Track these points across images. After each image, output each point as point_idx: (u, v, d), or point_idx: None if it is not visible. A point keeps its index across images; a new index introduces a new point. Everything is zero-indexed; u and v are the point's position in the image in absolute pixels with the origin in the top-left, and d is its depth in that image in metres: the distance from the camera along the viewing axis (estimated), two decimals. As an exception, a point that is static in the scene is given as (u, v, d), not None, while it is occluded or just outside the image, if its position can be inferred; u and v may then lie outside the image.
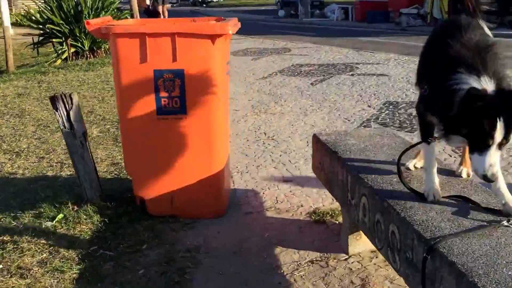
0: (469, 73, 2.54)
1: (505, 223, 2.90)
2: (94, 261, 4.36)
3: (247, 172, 6.47)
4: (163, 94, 4.84)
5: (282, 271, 4.23)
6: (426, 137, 3.09)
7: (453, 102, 2.47)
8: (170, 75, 4.80)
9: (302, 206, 5.39)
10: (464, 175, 3.67)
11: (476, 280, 2.42)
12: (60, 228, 4.92)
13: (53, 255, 4.44)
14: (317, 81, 12.13)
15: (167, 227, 5.01)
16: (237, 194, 5.85)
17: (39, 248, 4.54)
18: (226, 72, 5.13)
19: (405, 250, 3.10)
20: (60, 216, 5.04)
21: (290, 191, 5.78)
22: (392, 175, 3.72)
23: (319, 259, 4.38)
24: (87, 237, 4.77)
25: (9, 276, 4.12)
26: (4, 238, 4.75)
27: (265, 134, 8.08)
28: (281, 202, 5.52)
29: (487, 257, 2.61)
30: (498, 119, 2.36)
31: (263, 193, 5.80)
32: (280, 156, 6.99)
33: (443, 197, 3.28)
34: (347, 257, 4.39)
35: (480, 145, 2.46)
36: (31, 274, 4.14)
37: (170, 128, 4.92)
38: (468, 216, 3.09)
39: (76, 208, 5.19)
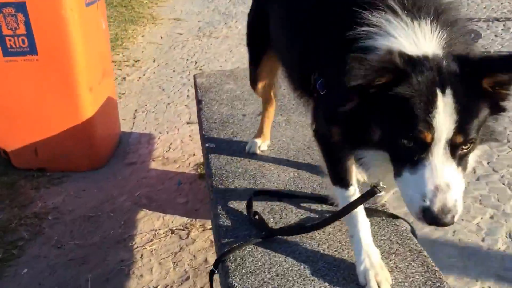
0: (388, 13, 1.47)
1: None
2: None
3: (153, 112, 5.71)
4: (7, 32, 4.01)
5: (133, 243, 3.58)
6: (341, 177, 1.84)
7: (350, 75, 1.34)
8: (11, 9, 3.94)
9: (194, 155, 4.67)
10: (247, 149, 2.89)
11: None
12: None
13: None
14: (283, -4, 10.97)
15: (30, 183, 4.35)
16: (131, 139, 5.13)
17: None
18: (87, 4, 4.23)
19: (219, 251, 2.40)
20: None
21: (190, 136, 5.03)
22: (243, 137, 3.01)
23: (182, 227, 3.71)
24: None
25: None
26: None
27: (196, 63, 7.23)
28: (173, 150, 4.80)
29: (283, 279, 1.91)
30: (439, 91, 1.30)
31: (159, 138, 5.07)
32: (199, 90, 6.16)
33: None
34: (216, 224, 3.69)
35: (411, 152, 1.35)
36: None
37: (22, 72, 4.13)
38: (301, 210, 2.36)
39: None
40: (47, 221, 3.83)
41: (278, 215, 2.31)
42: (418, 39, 1.40)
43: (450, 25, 1.46)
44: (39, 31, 3.99)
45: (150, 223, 3.78)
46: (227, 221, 2.32)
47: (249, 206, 2.32)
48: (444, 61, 1.34)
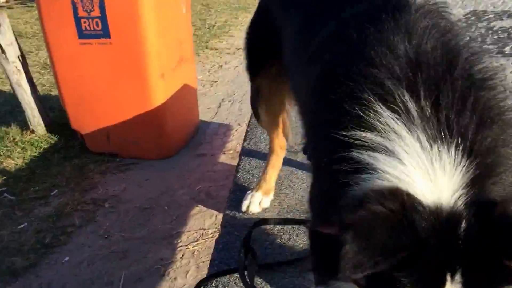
0: (393, 135, 1.01)
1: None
2: (-13, 207, 3.83)
3: (239, 102, 5.49)
4: (82, 14, 3.98)
5: (178, 241, 3.38)
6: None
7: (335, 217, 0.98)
8: (86, -10, 3.91)
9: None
10: (243, 207, 2.27)
11: None
12: (-10, 162, 4.44)
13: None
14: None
15: (99, 168, 4.33)
16: (209, 129, 4.95)
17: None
18: (164, -13, 4.07)
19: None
20: (-6, 148, 4.55)
21: (268, 130, 4.71)
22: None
23: (232, 229, 3.42)
24: (7, 175, 4.25)
25: None
26: None
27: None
28: (247, 144, 4.51)
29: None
30: (449, 277, 0.92)
31: (236, 130, 4.84)
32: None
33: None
34: (270, 229, 3.37)
35: None
36: None
37: (96, 55, 4.08)
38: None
39: (16, 138, 4.65)
40: (102, 209, 3.75)
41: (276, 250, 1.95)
42: (434, 171, 0.94)
43: (493, 142, 0.99)
44: (113, 14, 3.90)
45: (201, 221, 3.55)
46: (229, 238, 2.01)
47: (247, 238, 1.98)
48: (464, 220, 0.90)
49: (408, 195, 0.91)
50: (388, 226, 0.88)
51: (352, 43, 1.18)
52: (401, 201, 0.90)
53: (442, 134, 0.97)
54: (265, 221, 2.09)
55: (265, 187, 2.28)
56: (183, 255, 3.24)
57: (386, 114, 1.00)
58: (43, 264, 3.24)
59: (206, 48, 7.21)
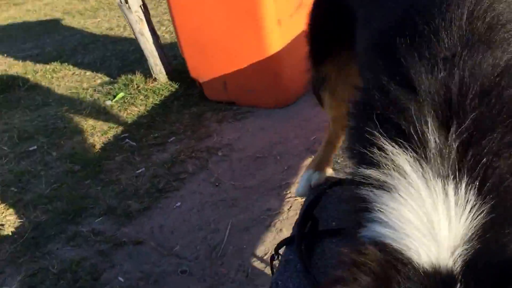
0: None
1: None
2: (110, 153, 4.02)
3: (363, 48, 5.15)
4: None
5: (286, 192, 3.29)
6: None
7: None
8: None
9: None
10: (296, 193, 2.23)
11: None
12: (116, 108, 4.64)
13: (83, 141, 4.22)
14: None
15: (216, 116, 4.34)
16: (329, 78, 4.71)
17: (79, 129, 4.38)
18: None
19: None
20: (120, 95, 4.76)
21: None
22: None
23: (344, 182, 3.25)
24: (129, 121, 4.42)
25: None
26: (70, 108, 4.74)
27: None
28: (367, 93, 4.25)
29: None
30: None
31: (357, 78, 4.55)
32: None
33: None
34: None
35: None
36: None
37: (212, 1, 4.02)
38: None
39: (139, 86, 4.81)
40: (215, 157, 3.75)
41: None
42: (437, 218, 0.73)
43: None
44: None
45: (312, 172, 3.39)
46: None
47: (311, 204, 1.77)
48: (459, 284, 0.70)
49: (396, 254, 0.72)
50: None
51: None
52: (381, 267, 0.71)
53: (454, 168, 0.74)
54: (337, 182, 1.88)
55: (327, 164, 2.09)
56: (290, 207, 3.13)
57: (390, 149, 0.81)
58: (156, 208, 3.31)
59: (333, -8, 6.89)
